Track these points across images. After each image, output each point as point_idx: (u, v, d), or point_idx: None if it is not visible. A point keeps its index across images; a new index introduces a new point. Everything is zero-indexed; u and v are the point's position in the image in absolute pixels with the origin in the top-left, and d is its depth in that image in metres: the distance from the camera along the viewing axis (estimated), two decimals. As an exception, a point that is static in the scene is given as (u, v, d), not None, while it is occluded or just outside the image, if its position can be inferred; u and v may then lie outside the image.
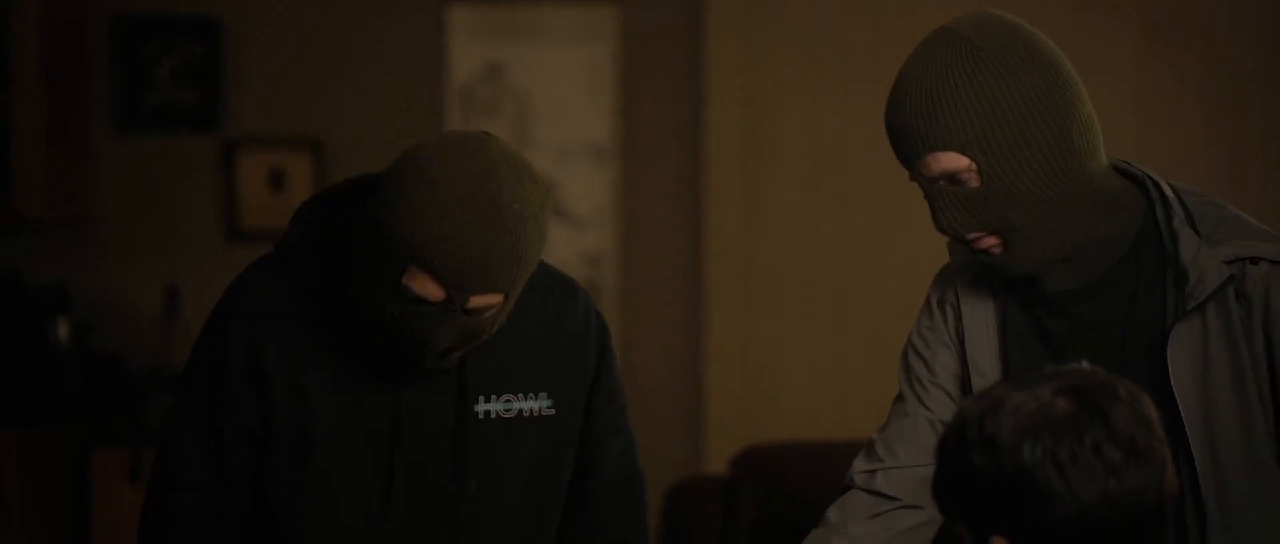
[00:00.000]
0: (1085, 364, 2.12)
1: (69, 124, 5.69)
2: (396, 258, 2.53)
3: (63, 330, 5.55)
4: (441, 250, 2.50)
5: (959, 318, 2.70)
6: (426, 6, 5.64)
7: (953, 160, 2.48)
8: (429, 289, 2.53)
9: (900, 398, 2.76)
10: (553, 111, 5.61)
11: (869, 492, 2.72)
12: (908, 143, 2.51)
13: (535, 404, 2.77)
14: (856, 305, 5.59)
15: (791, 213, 5.57)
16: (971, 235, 2.53)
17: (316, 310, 2.71)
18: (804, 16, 5.55)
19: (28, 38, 5.48)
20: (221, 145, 5.78)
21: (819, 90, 5.55)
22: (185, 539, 2.73)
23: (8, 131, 5.48)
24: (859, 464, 2.74)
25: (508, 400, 2.75)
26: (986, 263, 2.57)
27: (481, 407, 2.74)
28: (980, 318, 2.68)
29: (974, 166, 2.47)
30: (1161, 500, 2.05)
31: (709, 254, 5.58)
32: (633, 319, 5.63)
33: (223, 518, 2.73)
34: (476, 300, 2.56)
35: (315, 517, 2.71)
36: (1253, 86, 5.41)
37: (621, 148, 5.61)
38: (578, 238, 5.63)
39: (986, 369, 2.66)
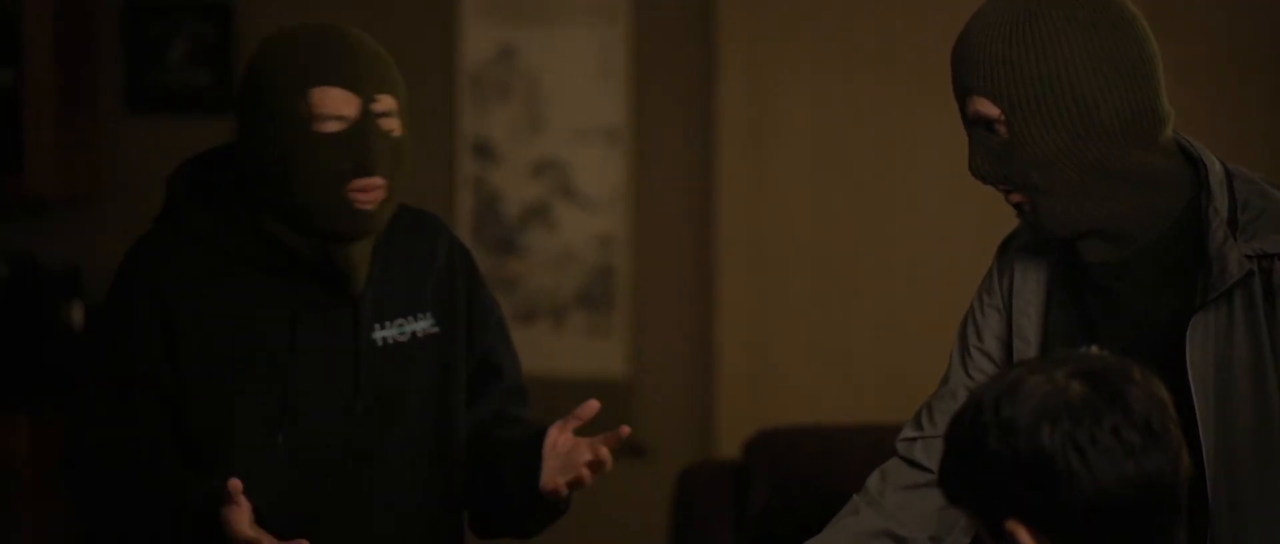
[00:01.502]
0: (1094, 349, 2.12)
1: (81, 105, 5.70)
2: (297, 93, 2.77)
3: (76, 314, 5.55)
4: (335, 57, 2.77)
5: (1011, 281, 2.71)
6: (439, -12, 5.64)
7: (986, 107, 2.52)
8: (339, 102, 2.77)
9: (949, 365, 2.77)
10: (564, 94, 5.60)
11: (908, 461, 2.72)
12: (957, 79, 2.55)
13: (423, 324, 2.96)
14: (867, 289, 5.58)
15: (803, 196, 5.57)
16: (1001, 186, 2.57)
17: (213, 259, 2.88)
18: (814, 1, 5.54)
19: (40, 19, 5.48)
20: (233, 127, 5.78)
21: (829, 75, 5.54)
22: (117, 487, 2.84)
23: (20, 112, 5.49)
24: (905, 430, 2.76)
25: (401, 324, 2.94)
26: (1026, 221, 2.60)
27: (378, 334, 2.91)
28: (1031, 283, 2.69)
29: (1004, 119, 2.49)
30: (1176, 482, 2.05)
31: (720, 237, 5.57)
32: (644, 301, 5.62)
33: (149, 464, 2.85)
34: (382, 101, 2.80)
35: (228, 447, 2.85)
36: (1251, 89, 5.40)
37: (633, 130, 5.61)
38: (589, 220, 5.62)
39: (1030, 335, 2.67)
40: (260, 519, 2.72)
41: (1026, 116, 2.48)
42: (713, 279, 5.59)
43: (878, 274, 5.58)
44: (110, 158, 5.80)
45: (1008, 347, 2.71)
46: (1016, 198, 2.56)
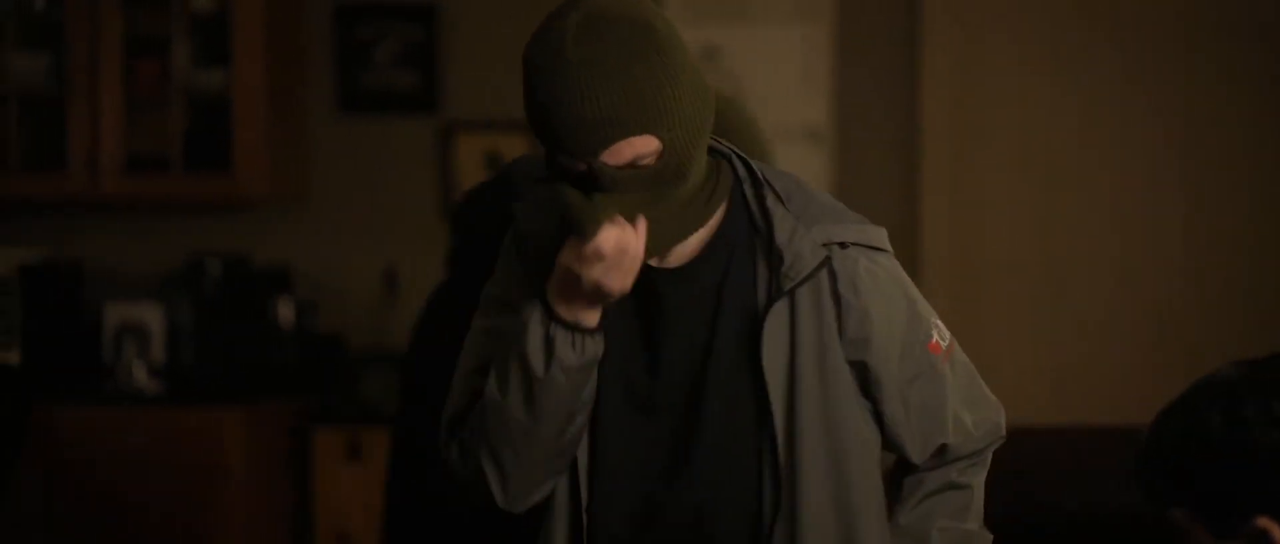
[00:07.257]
0: None
1: (290, 106, 5.79)
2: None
3: (285, 310, 5.64)
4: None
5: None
6: (642, -11, 5.66)
7: (646, 143, 2.44)
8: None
9: None
10: (768, 93, 5.61)
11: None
12: (602, 132, 2.43)
13: None
14: (1071, 292, 5.54)
15: (1005, 198, 5.53)
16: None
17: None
18: (1019, 1, 5.51)
19: (250, 22, 5.58)
20: (439, 128, 5.84)
21: (1033, 75, 5.50)
22: None
23: (230, 114, 5.59)
24: None
25: None
26: None
27: None
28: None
29: (659, 148, 2.44)
30: None
31: (924, 236, 5.55)
32: (847, 302, 5.62)
33: None
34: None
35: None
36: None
37: (836, 130, 5.59)
38: (792, 220, 5.62)
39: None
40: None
41: (682, 135, 2.46)
42: (916, 279, 5.57)
43: (1080, 277, 5.53)
44: (319, 158, 5.89)
45: None
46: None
